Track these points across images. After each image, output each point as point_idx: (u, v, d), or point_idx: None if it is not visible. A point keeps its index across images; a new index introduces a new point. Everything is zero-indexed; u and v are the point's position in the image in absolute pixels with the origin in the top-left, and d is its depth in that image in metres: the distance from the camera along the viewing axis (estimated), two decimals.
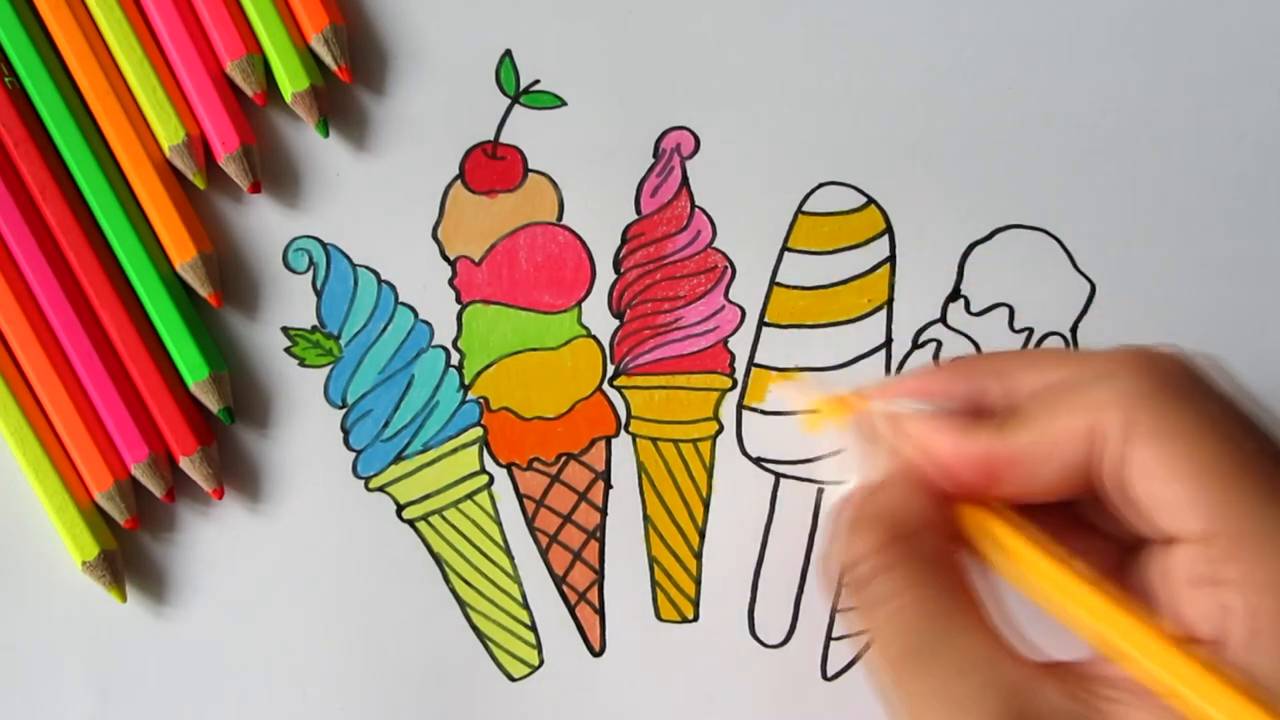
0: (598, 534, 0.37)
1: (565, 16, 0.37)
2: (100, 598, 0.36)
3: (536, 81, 0.37)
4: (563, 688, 0.37)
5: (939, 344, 0.37)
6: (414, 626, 0.37)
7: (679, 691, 0.37)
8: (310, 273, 0.37)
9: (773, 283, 0.37)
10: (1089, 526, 0.28)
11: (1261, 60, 0.37)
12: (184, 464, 0.36)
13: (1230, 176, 0.37)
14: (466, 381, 0.37)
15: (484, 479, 0.37)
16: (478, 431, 0.37)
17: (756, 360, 0.37)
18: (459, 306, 0.37)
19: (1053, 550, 0.26)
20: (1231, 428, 0.25)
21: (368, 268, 0.37)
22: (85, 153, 0.35)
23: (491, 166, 0.37)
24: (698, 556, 0.37)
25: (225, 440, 0.37)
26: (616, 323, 0.37)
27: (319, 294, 0.37)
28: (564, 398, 0.37)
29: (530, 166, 0.37)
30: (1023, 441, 0.26)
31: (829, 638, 0.37)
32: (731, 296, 0.37)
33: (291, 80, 0.35)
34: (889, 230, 0.37)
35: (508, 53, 0.37)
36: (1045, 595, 0.26)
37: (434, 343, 0.37)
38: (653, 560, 0.37)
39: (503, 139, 0.37)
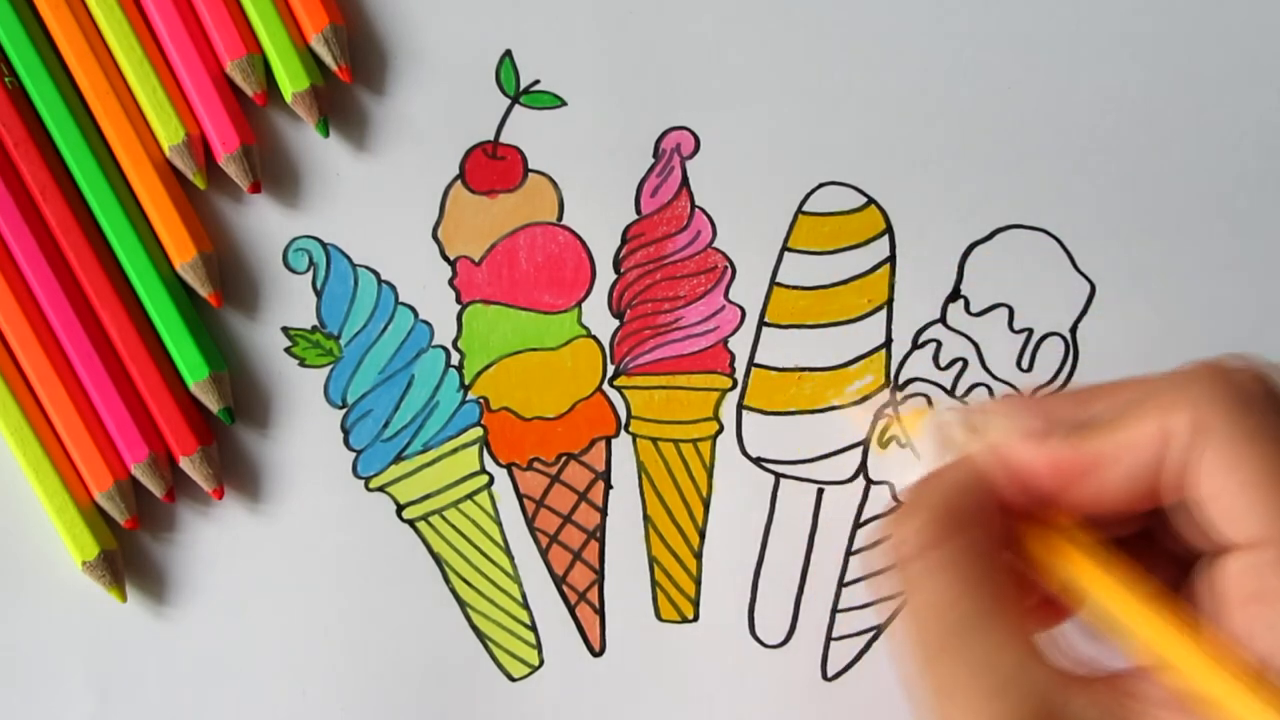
0: (598, 534, 0.37)
1: (565, 16, 0.37)
2: (100, 598, 0.36)
3: (536, 81, 0.37)
4: (563, 688, 0.37)
5: (939, 344, 0.37)
6: (414, 626, 0.37)
7: (679, 691, 0.37)
8: (310, 273, 0.37)
9: (773, 283, 0.37)
10: (1148, 542, 0.28)
11: (1261, 60, 0.37)
12: (184, 464, 0.36)
13: (1230, 176, 0.37)
14: (466, 381, 0.37)
15: (484, 479, 0.37)
16: (478, 431, 0.37)
17: (756, 360, 0.37)
18: (459, 306, 0.37)
19: (1113, 560, 0.26)
20: None
21: (368, 268, 0.37)
22: (85, 153, 0.35)
23: (491, 166, 0.37)
24: (698, 556, 0.37)
25: (225, 440, 0.37)
26: (616, 323, 0.37)
27: (319, 294, 0.37)
28: (564, 398, 0.37)
29: (530, 166, 0.37)
30: (1094, 446, 0.26)
31: (829, 638, 0.37)
32: (731, 296, 0.37)
33: (291, 80, 0.35)
34: (889, 230, 0.37)
35: (508, 53, 0.37)
36: (1101, 605, 0.26)
37: (434, 343, 0.37)
38: (653, 560, 0.37)
39: (503, 139, 0.37)
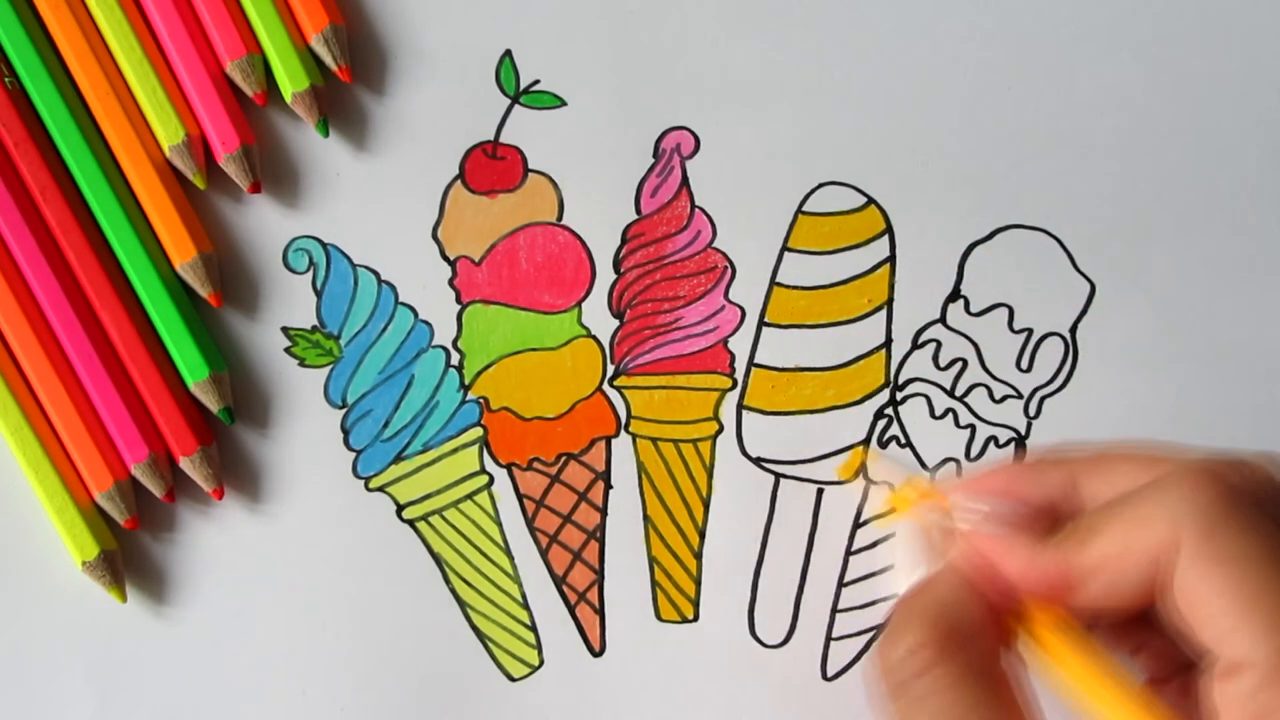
0: (598, 534, 0.37)
1: (565, 16, 0.37)
2: (100, 598, 0.36)
3: (536, 81, 0.37)
4: (563, 688, 0.37)
5: (939, 344, 0.37)
6: (414, 626, 0.37)
7: (679, 691, 0.37)
8: (310, 273, 0.37)
9: (773, 283, 0.37)
10: (1155, 625, 0.27)
11: (1261, 60, 0.37)
12: (184, 464, 0.36)
13: (1230, 176, 0.37)
14: (466, 381, 0.37)
15: (484, 479, 0.37)
16: (478, 431, 0.37)
17: (756, 360, 0.37)
18: (459, 306, 0.37)
19: (1104, 662, 0.26)
20: None
21: (368, 268, 0.37)
22: (85, 153, 0.35)
23: (491, 166, 0.37)
24: (698, 556, 0.37)
25: (225, 440, 0.37)
26: (616, 323, 0.37)
27: (319, 294, 0.37)
28: (564, 398, 0.37)
29: (530, 166, 0.37)
30: (1080, 562, 0.26)
31: (829, 638, 0.37)
32: (731, 296, 0.37)
33: (292, 80, 0.35)
34: (889, 230, 0.37)
35: (508, 53, 0.37)
36: (1092, 708, 0.26)
37: (434, 343, 0.37)
38: (653, 560, 0.37)
39: (503, 139, 0.37)
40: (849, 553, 0.37)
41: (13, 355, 0.35)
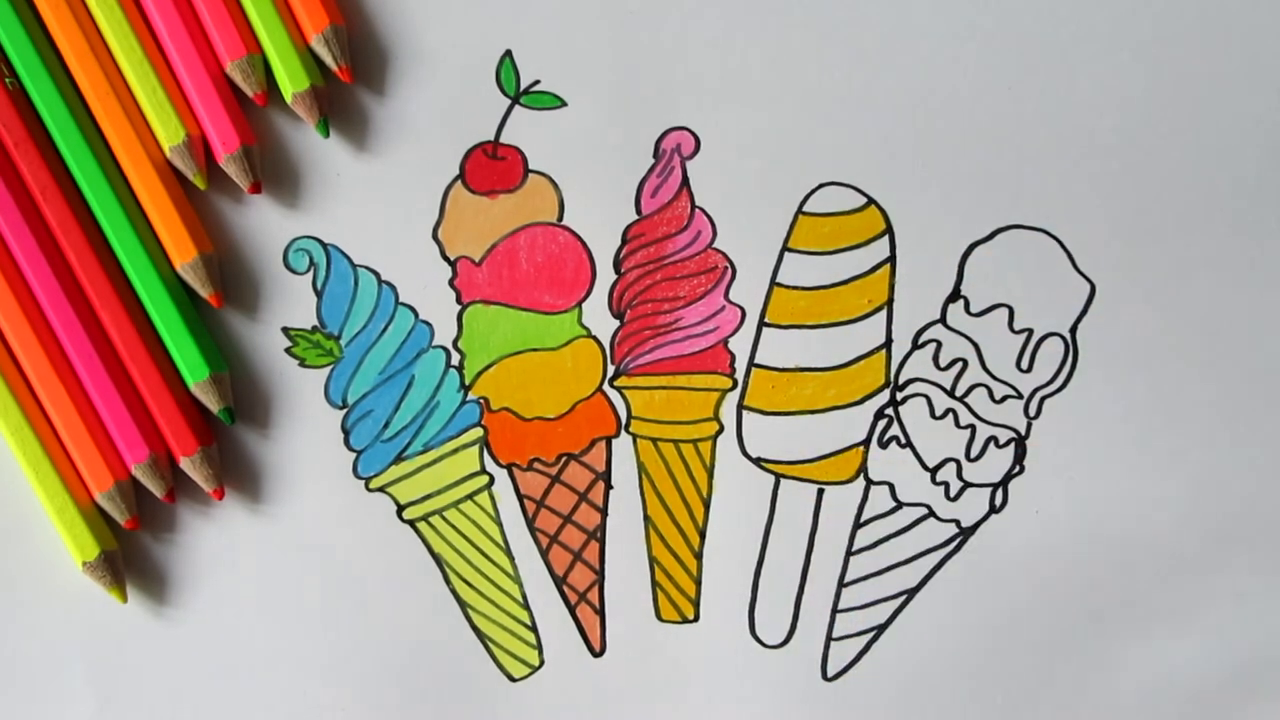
0: (598, 534, 0.37)
1: (565, 16, 0.37)
2: (100, 598, 0.36)
3: (536, 81, 0.37)
4: (563, 688, 0.37)
5: (939, 344, 0.37)
6: (414, 627, 0.37)
7: (679, 691, 0.37)
8: (310, 273, 0.37)
9: (773, 283, 0.37)
10: None
11: (1261, 60, 0.37)
12: (184, 464, 0.36)
13: (1230, 176, 0.37)
14: (467, 382, 0.37)
15: (484, 479, 0.37)
16: (478, 432, 0.37)
17: (757, 360, 0.37)
18: (459, 307, 0.37)
19: None
20: None
21: (368, 268, 0.37)
22: (85, 153, 0.35)
23: (492, 167, 0.37)
24: (698, 556, 0.37)
25: (225, 440, 0.37)
26: (617, 323, 0.37)
27: (319, 294, 0.37)
28: (564, 398, 0.37)
29: (530, 167, 0.37)
30: None
31: (829, 638, 0.37)
32: (732, 297, 0.37)
33: (292, 80, 0.35)
34: (889, 230, 0.37)
35: (508, 53, 0.37)
36: None
37: (434, 343, 0.37)
38: (653, 560, 0.37)
39: (503, 139, 0.37)
40: (849, 553, 0.37)
41: (13, 355, 0.35)
